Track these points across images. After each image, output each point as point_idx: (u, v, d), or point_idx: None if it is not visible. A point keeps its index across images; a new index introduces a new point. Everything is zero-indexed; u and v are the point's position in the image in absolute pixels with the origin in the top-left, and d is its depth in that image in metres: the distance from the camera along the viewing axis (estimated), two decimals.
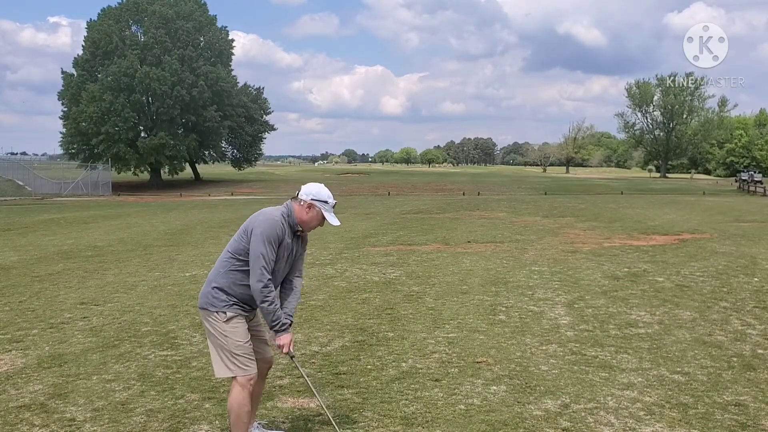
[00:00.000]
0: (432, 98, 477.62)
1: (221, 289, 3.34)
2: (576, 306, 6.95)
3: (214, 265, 3.49)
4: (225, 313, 3.32)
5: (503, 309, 6.80)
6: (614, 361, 4.99)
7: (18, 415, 3.96)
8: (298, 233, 3.46)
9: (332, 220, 3.46)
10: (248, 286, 3.29)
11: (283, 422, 3.82)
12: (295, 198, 3.46)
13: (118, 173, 51.68)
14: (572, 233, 14.70)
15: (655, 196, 36.25)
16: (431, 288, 8.02)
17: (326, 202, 3.44)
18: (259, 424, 3.65)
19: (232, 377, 3.32)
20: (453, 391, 4.31)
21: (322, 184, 3.51)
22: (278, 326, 3.32)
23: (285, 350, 3.38)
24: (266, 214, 3.40)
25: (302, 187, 3.48)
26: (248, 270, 3.29)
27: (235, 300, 3.34)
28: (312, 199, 3.41)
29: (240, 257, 3.34)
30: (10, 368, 4.90)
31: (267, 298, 3.26)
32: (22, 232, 16.06)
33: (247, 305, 3.38)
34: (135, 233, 15.51)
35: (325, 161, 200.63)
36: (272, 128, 61.95)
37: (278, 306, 3.33)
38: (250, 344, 3.37)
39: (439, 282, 8.44)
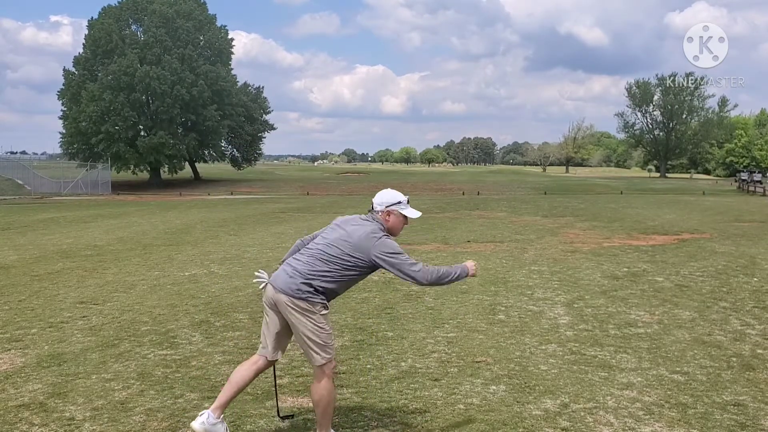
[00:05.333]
0: (433, 98, 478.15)
1: (322, 286, 3.42)
2: (575, 306, 6.95)
3: (305, 255, 3.49)
4: (325, 305, 3.44)
5: (503, 308, 6.80)
6: (613, 360, 4.99)
7: (17, 414, 3.96)
8: None
9: (412, 214, 3.60)
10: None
11: (282, 421, 3.83)
12: (372, 211, 3.57)
13: (118, 172, 51.66)
14: (572, 233, 14.70)
15: (654, 196, 36.25)
16: (430, 287, 8.02)
17: (399, 202, 3.57)
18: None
19: (319, 366, 3.41)
20: (452, 391, 4.31)
21: (389, 189, 3.65)
22: (459, 273, 3.55)
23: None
24: (373, 232, 3.46)
25: (374, 200, 3.60)
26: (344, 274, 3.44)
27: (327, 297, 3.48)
28: (387, 207, 3.54)
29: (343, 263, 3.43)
30: (9, 367, 4.90)
31: (436, 275, 3.48)
32: (21, 231, 16.05)
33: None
34: (134, 232, 15.50)
35: (325, 160, 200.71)
36: (272, 127, 62.00)
37: (440, 269, 3.52)
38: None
39: None
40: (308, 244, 3.62)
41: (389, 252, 3.40)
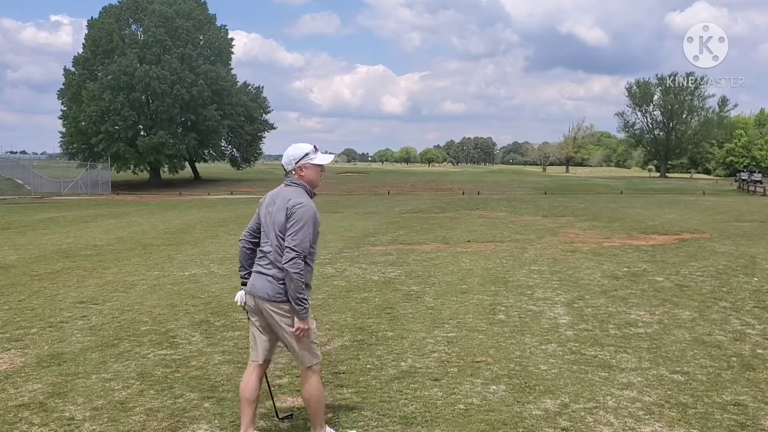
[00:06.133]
0: (433, 98, 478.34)
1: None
2: (575, 305, 6.95)
3: (266, 261, 3.40)
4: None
5: (503, 308, 6.80)
6: (614, 360, 4.99)
7: (17, 414, 3.95)
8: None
9: (323, 160, 3.51)
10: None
11: (282, 421, 3.82)
12: (288, 174, 3.47)
13: (118, 172, 51.65)
14: (572, 233, 14.70)
15: (654, 196, 36.26)
16: (431, 287, 8.02)
17: (307, 153, 3.47)
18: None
19: (308, 367, 3.41)
20: (452, 391, 4.31)
21: (294, 144, 3.52)
22: (305, 308, 3.34)
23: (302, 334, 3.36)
24: (292, 203, 3.36)
25: (283, 161, 3.48)
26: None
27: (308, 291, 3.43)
28: (297, 164, 3.45)
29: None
30: (9, 367, 4.90)
31: (299, 283, 3.29)
32: (21, 231, 16.05)
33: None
34: (134, 232, 15.50)
35: None
36: (272, 127, 62.01)
37: (302, 288, 3.32)
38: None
39: (438, 281, 8.43)
40: (258, 241, 3.53)
41: (295, 224, 3.29)
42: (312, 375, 3.41)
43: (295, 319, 3.33)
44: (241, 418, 3.56)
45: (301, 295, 3.28)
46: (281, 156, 3.62)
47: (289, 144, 3.56)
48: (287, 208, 3.34)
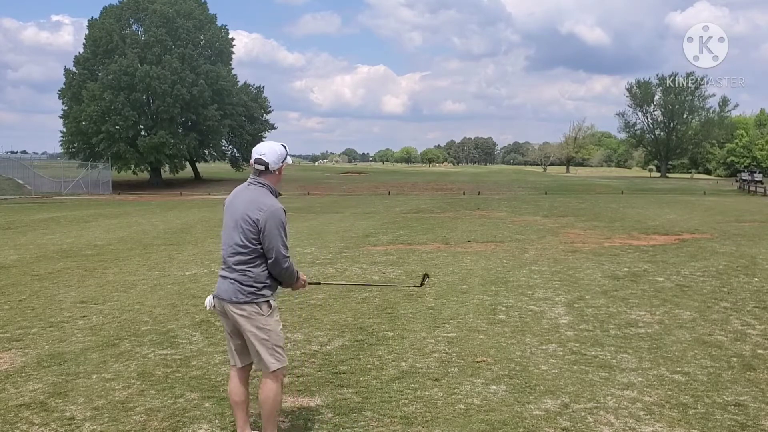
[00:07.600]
0: (433, 97, 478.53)
1: (258, 275, 3.37)
2: (576, 306, 6.95)
3: (226, 266, 3.42)
4: (270, 304, 3.40)
5: (503, 308, 6.80)
6: (614, 360, 4.99)
7: (18, 414, 3.96)
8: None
9: (290, 160, 3.54)
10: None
11: (283, 421, 3.82)
12: (264, 172, 3.40)
13: (118, 172, 51.64)
14: (572, 233, 14.70)
15: (655, 196, 36.25)
16: (431, 287, 8.01)
17: (287, 154, 3.48)
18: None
19: (272, 372, 3.37)
20: (453, 391, 4.31)
21: (270, 142, 3.50)
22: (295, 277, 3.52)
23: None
24: (262, 206, 3.35)
25: (263, 157, 3.37)
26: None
27: (271, 292, 3.42)
28: (282, 162, 3.45)
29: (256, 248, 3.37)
30: (9, 367, 4.90)
31: (291, 271, 3.46)
32: (22, 231, 16.06)
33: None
34: (135, 232, 15.51)
35: (325, 160, 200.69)
36: (273, 127, 61.99)
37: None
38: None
39: (439, 281, 8.43)
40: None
41: (275, 225, 3.31)
42: (274, 380, 3.37)
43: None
44: (235, 420, 3.58)
45: (294, 276, 3.48)
46: None
47: (290, 143, 3.51)
48: (260, 210, 3.30)
